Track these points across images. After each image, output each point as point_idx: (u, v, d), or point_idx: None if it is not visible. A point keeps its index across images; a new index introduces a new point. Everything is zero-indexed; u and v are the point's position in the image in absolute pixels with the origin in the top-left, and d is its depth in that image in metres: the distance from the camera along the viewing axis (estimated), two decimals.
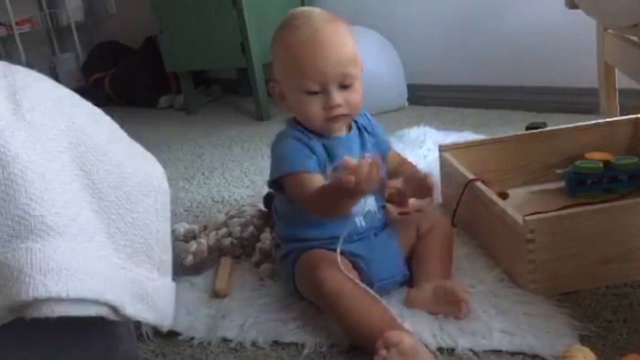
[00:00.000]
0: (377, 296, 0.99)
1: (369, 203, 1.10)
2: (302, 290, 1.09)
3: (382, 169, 0.97)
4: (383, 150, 1.18)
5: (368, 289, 0.99)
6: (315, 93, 1.05)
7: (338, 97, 1.05)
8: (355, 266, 1.06)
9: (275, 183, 1.11)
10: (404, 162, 1.21)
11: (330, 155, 1.08)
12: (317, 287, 1.01)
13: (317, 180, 1.05)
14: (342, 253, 1.04)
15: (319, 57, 1.04)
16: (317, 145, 1.08)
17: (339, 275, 0.99)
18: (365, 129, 1.15)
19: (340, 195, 0.97)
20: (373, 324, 0.94)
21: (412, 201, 1.22)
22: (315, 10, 1.10)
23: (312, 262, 1.04)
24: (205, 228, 1.39)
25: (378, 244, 1.08)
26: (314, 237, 1.09)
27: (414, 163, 1.22)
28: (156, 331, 1.08)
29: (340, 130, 1.12)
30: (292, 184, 1.07)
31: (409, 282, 1.12)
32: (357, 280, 1.00)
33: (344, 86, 1.06)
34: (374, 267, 1.07)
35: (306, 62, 1.04)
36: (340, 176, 0.92)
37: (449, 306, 1.01)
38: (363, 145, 1.13)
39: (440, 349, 0.95)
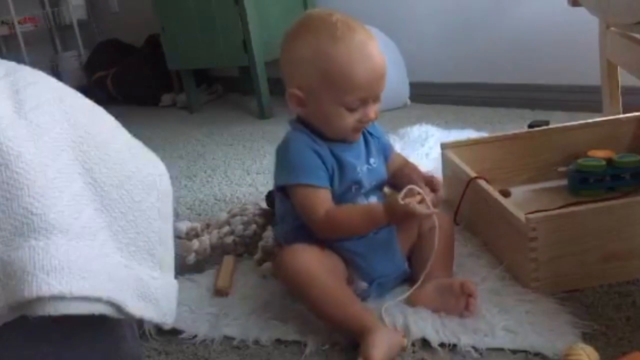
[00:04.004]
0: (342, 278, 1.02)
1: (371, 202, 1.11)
2: (283, 285, 1.10)
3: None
4: (387, 152, 1.17)
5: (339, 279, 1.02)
6: (354, 108, 1.03)
7: (373, 111, 1.04)
8: (354, 263, 1.07)
9: (282, 187, 1.09)
10: (407, 163, 1.20)
11: (338, 160, 1.06)
12: (284, 274, 1.02)
13: (325, 197, 1.03)
14: (340, 251, 1.05)
15: (368, 72, 1.00)
16: (325, 150, 1.05)
17: (303, 257, 1.00)
18: (370, 133, 1.14)
19: (373, 223, 1.03)
20: (337, 302, 0.97)
21: None
22: (348, 17, 1.04)
23: (285, 253, 1.04)
24: (207, 226, 1.40)
25: (377, 241, 1.08)
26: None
27: (416, 163, 1.21)
28: (159, 329, 1.08)
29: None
30: (299, 196, 1.04)
31: (410, 279, 1.12)
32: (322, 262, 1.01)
33: (374, 100, 1.04)
34: (373, 264, 1.07)
35: (355, 76, 0.99)
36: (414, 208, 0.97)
37: (455, 300, 1.00)
38: (368, 149, 1.12)
39: (442, 345, 0.95)
